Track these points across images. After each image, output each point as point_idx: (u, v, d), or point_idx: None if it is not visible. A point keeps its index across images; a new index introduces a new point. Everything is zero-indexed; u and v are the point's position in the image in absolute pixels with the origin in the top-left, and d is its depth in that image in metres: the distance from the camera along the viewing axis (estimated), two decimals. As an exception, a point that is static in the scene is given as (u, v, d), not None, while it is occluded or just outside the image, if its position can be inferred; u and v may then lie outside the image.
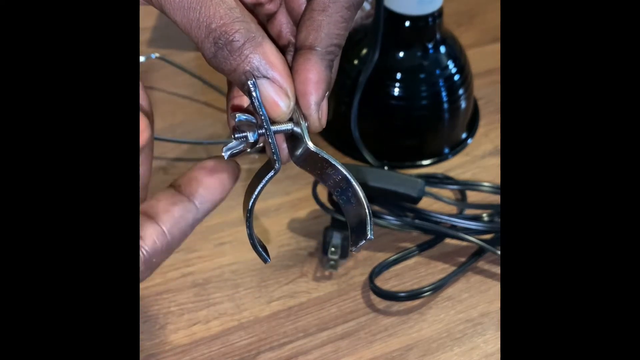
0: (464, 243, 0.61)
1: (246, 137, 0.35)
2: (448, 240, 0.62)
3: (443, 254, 0.62)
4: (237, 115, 0.35)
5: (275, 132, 0.35)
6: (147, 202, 0.35)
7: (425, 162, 0.70)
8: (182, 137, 0.70)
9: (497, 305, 0.58)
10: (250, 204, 0.36)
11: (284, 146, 0.37)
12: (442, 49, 0.68)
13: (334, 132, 0.69)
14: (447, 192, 0.66)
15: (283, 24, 0.39)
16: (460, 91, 0.69)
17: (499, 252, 0.59)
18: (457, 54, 0.69)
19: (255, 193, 0.36)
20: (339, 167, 0.36)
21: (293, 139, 0.36)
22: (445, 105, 0.69)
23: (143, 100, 0.36)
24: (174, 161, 0.68)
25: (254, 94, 0.34)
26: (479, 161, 0.70)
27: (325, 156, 0.35)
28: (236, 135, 0.35)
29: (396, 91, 0.67)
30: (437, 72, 0.68)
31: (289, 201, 0.65)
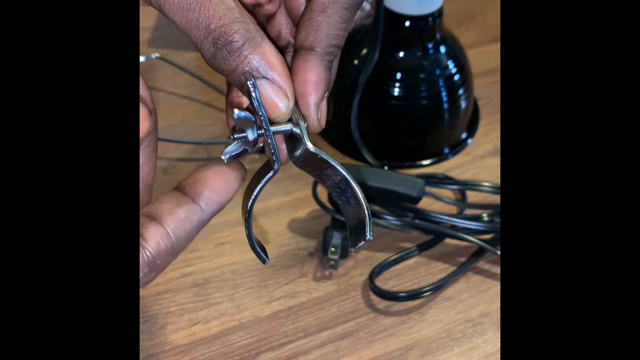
0: (464, 243, 0.61)
1: (246, 137, 0.35)
2: (448, 240, 0.62)
3: (443, 254, 0.62)
4: (235, 111, 0.35)
5: (275, 132, 0.35)
6: (151, 205, 0.35)
7: (425, 162, 0.70)
8: (182, 137, 0.70)
9: (497, 305, 0.58)
10: (249, 204, 0.36)
11: (283, 147, 0.37)
12: (442, 49, 0.68)
13: (334, 132, 0.69)
14: (447, 192, 0.66)
15: (282, 24, 0.39)
16: (460, 91, 0.69)
17: (499, 252, 0.59)
18: (457, 54, 0.69)
19: (254, 194, 0.36)
20: (338, 167, 0.36)
21: (292, 139, 0.36)
22: (445, 105, 0.69)
23: (144, 92, 0.35)
24: (174, 161, 0.68)
25: (253, 94, 0.34)
26: (479, 161, 0.70)
27: (325, 157, 0.35)
28: (236, 135, 0.35)
29: (396, 91, 0.67)
30: (437, 72, 0.68)
31: (289, 201, 0.65)
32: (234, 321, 0.57)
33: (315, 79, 0.35)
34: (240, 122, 0.35)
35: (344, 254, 0.60)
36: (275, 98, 0.34)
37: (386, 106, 0.68)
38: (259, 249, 0.37)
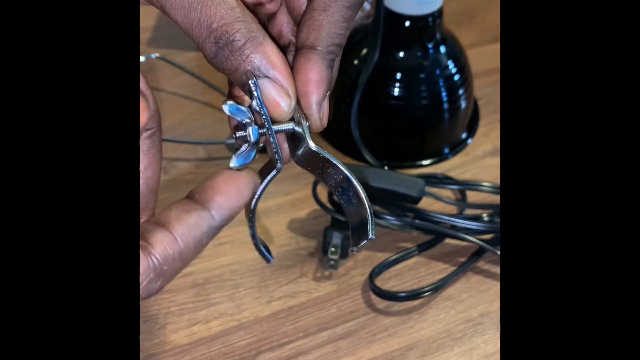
0: (464, 243, 0.61)
1: (247, 135, 0.35)
2: (448, 240, 0.62)
3: (443, 254, 0.62)
4: (228, 103, 0.35)
5: (277, 131, 0.35)
6: (160, 212, 0.34)
7: (425, 162, 0.70)
8: (182, 137, 0.70)
9: (497, 305, 0.58)
10: (253, 204, 0.36)
11: (285, 146, 0.37)
12: (442, 49, 0.68)
13: (334, 132, 0.69)
14: (447, 192, 0.66)
15: (284, 23, 0.39)
16: (460, 91, 0.69)
17: (499, 252, 0.59)
18: (457, 54, 0.69)
19: (258, 193, 0.36)
20: (340, 166, 0.36)
21: (294, 138, 0.36)
22: (445, 105, 0.69)
23: (145, 89, 0.35)
24: (174, 161, 0.68)
25: (255, 93, 0.34)
26: (479, 161, 0.70)
27: (327, 156, 0.35)
28: (237, 134, 0.35)
29: (396, 91, 0.67)
30: (437, 72, 0.68)
31: (289, 201, 0.65)
32: (234, 321, 0.57)
33: (317, 78, 0.35)
34: (236, 114, 0.35)
35: (344, 254, 0.60)
36: (277, 97, 0.34)
37: (386, 106, 0.68)
38: (263, 248, 0.37)
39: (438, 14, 0.66)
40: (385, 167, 0.67)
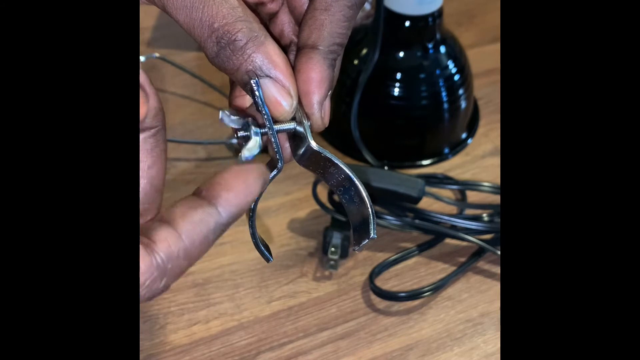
0: (464, 243, 0.61)
1: (248, 136, 0.35)
2: (448, 240, 0.62)
3: (443, 254, 0.62)
4: (224, 111, 0.35)
5: (278, 131, 0.35)
6: (165, 210, 0.33)
7: (425, 162, 0.70)
8: (182, 137, 0.70)
9: (497, 305, 0.58)
10: (253, 204, 0.36)
11: (286, 145, 0.37)
12: (442, 49, 0.68)
13: (334, 132, 0.69)
14: (447, 192, 0.66)
15: (285, 23, 0.39)
16: (460, 91, 0.69)
17: (499, 252, 0.59)
18: (457, 54, 0.69)
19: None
20: (342, 166, 0.36)
21: (295, 138, 0.36)
22: (445, 105, 0.69)
23: (147, 85, 0.35)
24: (174, 161, 0.68)
25: (256, 93, 0.34)
26: (479, 161, 0.70)
27: (328, 155, 0.35)
28: (239, 135, 0.35)
29: (396, 91, 0.67)
30: (437, 72, 0.68)
31: (289, 201, 0.65)
32: (234, 321, 0.57)
33: (318, 77, 0.35)
34: (228, 124, 0.35)
35: (344, 254, 0.60)
36: (278, 97, 0.34)
37: (386, 106, 0.68)
38: (262, 247, 0.37)
39: (438, 14, 0.66)
40: (385, 167, 0.67)
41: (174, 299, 0.58)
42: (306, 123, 0.35)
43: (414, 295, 0.58)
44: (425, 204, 0.62)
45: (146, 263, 0.31)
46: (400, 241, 0.62)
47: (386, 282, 0.60)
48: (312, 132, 0.35)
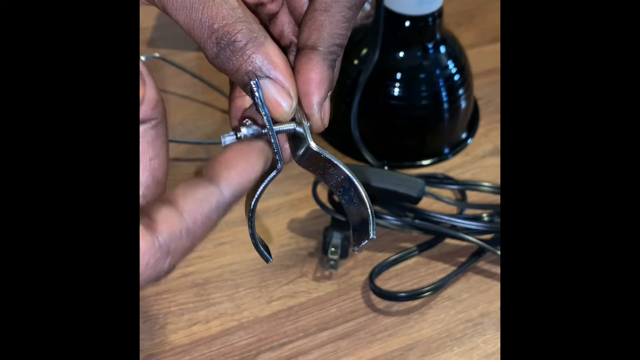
0: (464, 243, 0.61)
1: (248, 136, 0.35)
2: (448, 240, 0.62)
3: (443, 254, 0.62)
4: (226, 136, 0.35)
5: (278, 132, 0.35)
6: (167, 192, 0.33)
7: (425, 162, 0.70)
8: (182, 137, 0.70)
9: (497, 305, 0.59)
10: (253, 203, 0.36)
11: (286, 146, 0.37)
12: (442, 49, 0.68)
13: (334, 132, 0.69)
14: (447, 192, 0.66)
15: (285, 23, 0.39)
16: (460, 91, 0.69)
17: (499, 252, 0.59)
18: (457, 54, 0.69)
19: (258, 193, 0.36)
20: (342, 167, 0.36)
21: (295, 139, 0.36)
22: (445, 105, 0.69)
23: (148, 80, 0.35)
24: (174, 161, 0.68)
25: (256, 94, 0.34)
26: (479, 161, 0.70)
27: (328, 156, 0.35)
28: (239, 135, 0.35)
29: (396, 91, 0.67)
30: (437, 72, 0.68)
31: (289, 201, 0.65)
32: (234, 321, 0.57)
33: (318, 78, 0.35)
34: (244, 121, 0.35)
35: (344, 254, 0.60)
36: (278, 97, 0.34)
37: (386, 106, 0.68)
38: (262, 248, 0.37)
39: (438, 14, 0.66)
40: (385, 167, 0.67)
41: (174, 299, 0.58)
42: (306, 124, 0.35)
43: (414, 295, 0.58)
44: (425, 204, 0.62)
45: (147, 243, 0.31)
46: (400, 241, 0.62)
47: (386, 282, 0.60)
48: (311, 132, 0.35)
